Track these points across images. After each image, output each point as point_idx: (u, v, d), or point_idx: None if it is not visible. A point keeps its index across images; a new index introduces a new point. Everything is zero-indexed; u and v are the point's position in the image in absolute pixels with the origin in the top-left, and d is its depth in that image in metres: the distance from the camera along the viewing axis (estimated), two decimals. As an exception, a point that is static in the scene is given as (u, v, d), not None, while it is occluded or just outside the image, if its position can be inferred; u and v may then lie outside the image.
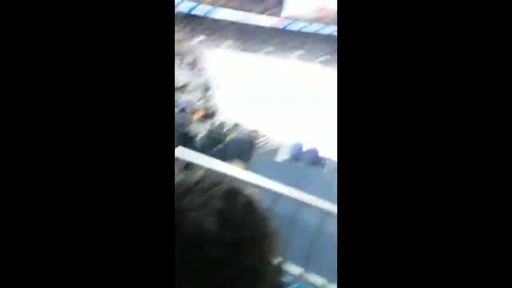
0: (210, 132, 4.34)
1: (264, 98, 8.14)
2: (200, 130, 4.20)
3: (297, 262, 1.45)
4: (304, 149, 5.35)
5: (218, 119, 5.63)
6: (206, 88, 9.05)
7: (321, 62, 20.20)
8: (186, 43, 14.93)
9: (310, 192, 1.45)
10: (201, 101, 6.85)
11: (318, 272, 1.41)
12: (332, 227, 1.25)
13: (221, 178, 0.38)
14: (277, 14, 22.82)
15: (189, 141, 3.80)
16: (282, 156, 5.71)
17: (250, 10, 21.76)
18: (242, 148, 4.54)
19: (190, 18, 20.04)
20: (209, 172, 0.42)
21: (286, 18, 21.79)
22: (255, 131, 5.25)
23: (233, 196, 0.34)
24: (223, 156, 3.61)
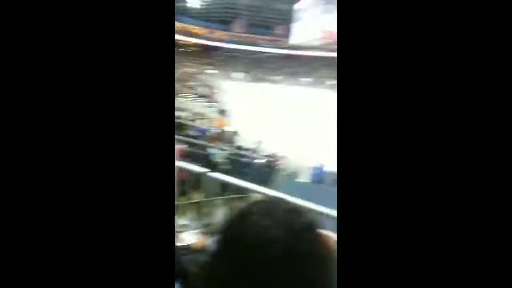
0: (231, 155, 4.39)
1: (278, 123, 8.28)
2: (219, 154, 4.26)
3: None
4: (325, 169, 5.31)
5: (236, 144, 5.72)
6: (223, 116, 9.31)
7: (329, 87, 20.58)
8: (200, 75, 15.66)
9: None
10: (218, 128, 7.03)
11: None
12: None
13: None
14: (284, 43, 23.85)
15: (212, 165, 3.85)
16: (303, 178, 5.65)
17: (259, 41, 22.86)
18: (263, 172, 4.55)
19: (202, 50, 21.17)
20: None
21: (293, 46, 22.71)
22: (274, 155, 5.28)
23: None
24: (246, 179, 3.60)
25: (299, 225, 0.32)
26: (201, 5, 20.22)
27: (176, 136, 3.50)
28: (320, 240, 0.33)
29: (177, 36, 20.08)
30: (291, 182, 4.04)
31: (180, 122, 5.64)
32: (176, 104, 8.76)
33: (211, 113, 9.68)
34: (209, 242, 0.95)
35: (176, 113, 6.68)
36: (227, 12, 21.59)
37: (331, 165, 5.30)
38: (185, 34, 19.98)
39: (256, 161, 4.84)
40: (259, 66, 22.24)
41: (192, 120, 7.17)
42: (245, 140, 7.15)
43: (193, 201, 1.92)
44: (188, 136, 4.25)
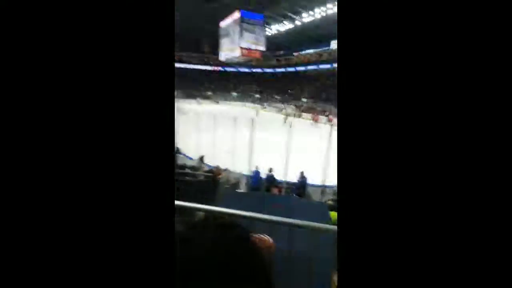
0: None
1: (216, 136, 8.55)
2: None
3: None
4: (263, 176, 5.84)
5: (178, 163, 5.76)
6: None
7: (255, 100, 21.64)
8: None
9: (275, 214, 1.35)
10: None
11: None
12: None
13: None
14: (212, 60, 24.22)
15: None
16: (243, 187, 6.03)
17: (188, 59, 22.70)
18: (207, 187, 4.73)
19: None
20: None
21: (220, 63, 23.22)
22: (216, 168, 5.55)
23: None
24: (189, 195, 3.72)
25: (231, 239, 0.34)
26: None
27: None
28: (253, 250, 0.34)
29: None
30: (232, 193, 4.34)
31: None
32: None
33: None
34: None
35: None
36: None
37: (265, 171, 5.87)
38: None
39: (199, 178, 5.01)
40: (190, 83, 22.06)
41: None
42: (186, 157, 7.18)
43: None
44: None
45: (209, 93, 21.78)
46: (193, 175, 4.98)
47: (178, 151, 6.78)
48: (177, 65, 22.01)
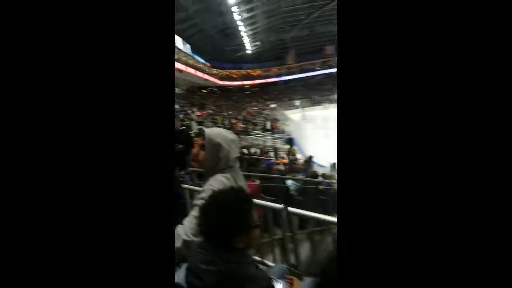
0: (306, 183, 4.24)
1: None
2: (295, 185, 4.16)
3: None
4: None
5: (310, 170, 5.56)
6: (290, 145, 9.36)
7: None
8: (264, 111, 16.51)
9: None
10: (290, 158, 7.04)
11: None
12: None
13: None
14: (335, 62, 23.43)
15: (289, 197, 3.78)
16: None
17: (310, 66, 23.06)
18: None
19: (262, 89, 22.57)
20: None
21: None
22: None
23: None
24: (324, 206, 3.42)
25: None
26: (257, 49, 22.13)
27: (251, 173, 3.64)
28: None
29: (239, 82, 22.38)
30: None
31: (253, 158, 5.89)
32: (247, 141, 9.29)
33: (280, 144, 9.87)
34: (304, 284, 0.86)
35: (247, 150, 7.04)
36: (280, 49, 22.85)
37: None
38: (247, 78, 22.28)
39: (333, 186, 4.56)
40: (315, 90, 22.05)
41: (265, 153, 7.40)
42: (318, 165, 6.90)
43: (275, 237, 1.87)
44: (262, 171, 4.37)
45: (334, 95, 20.84)
46: (327, 184, 4.59)
47: (311, 160, 6.61)
48: (299, 75, 22.70)
